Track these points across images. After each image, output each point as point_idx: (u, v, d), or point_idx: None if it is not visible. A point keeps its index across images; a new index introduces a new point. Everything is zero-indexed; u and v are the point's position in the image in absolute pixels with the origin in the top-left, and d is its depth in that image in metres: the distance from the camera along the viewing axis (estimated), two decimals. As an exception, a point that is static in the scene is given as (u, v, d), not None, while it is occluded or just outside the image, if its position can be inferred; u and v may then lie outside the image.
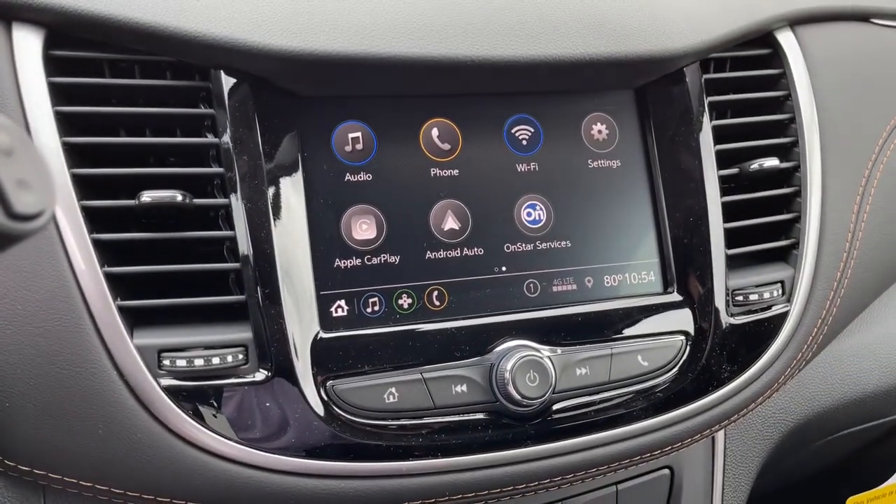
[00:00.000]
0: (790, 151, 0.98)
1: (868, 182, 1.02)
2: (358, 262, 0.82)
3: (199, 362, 0.73)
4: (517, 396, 0.80)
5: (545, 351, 0.83)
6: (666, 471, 0.97)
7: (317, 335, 0.77)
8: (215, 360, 0.73)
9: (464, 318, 0.83)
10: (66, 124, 0.74)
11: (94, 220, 0.74)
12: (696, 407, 0.89)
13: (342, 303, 0.80)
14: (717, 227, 0.91)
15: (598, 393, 0.85)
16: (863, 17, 1.09)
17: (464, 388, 0.80)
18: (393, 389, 0.78)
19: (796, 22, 1.02)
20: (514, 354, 0.81)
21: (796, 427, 1.06)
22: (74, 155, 0.74)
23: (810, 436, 1.12)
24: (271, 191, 0.78)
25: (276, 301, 0.76)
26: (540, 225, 0.89)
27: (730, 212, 0.93)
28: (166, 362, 0.73)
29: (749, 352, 0.91)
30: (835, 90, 1.01)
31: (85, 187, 0.74)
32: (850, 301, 1.01)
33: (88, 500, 0.78)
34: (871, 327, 1.12)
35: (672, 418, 0.87)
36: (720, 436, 1.02)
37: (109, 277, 0.72)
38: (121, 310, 0.72)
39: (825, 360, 1.08)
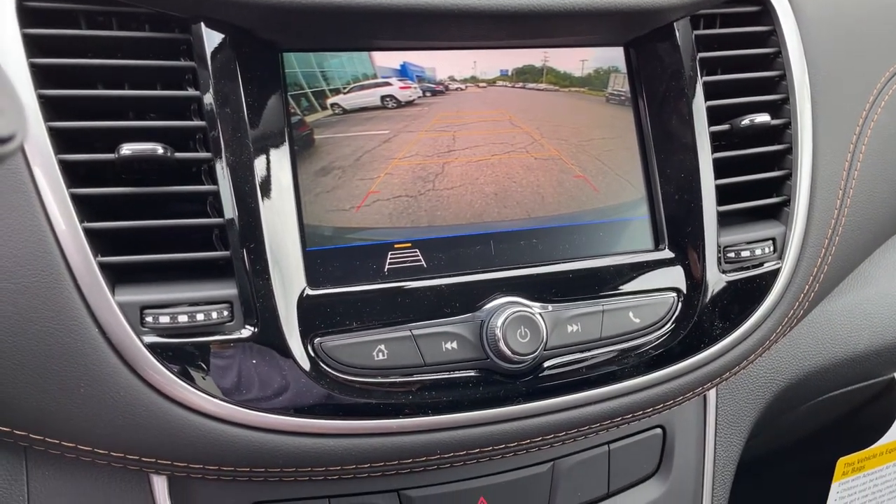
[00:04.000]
0: (781, 108, 0.97)
1: (859, 139, 1.01)
2: (347, 217, 0.80)
3: (182, 319, 0.71)
4: (508, 353, 0.79)
5: (536, 307, 0.81)
6: (658, 430, 0.96)
7: (303, 292, 0.76)
8: (200, 317, 0.72)
9: (454, 276, 0.81)
10: (42, 77, 0.72)
11: (73, 175, 0.72)
12: (689, 364, 0.88)
13: (330, 259, 0.79)
14: (708, 183, 0.90)
15: (589, 350, 0.84)
16: (853, -27, 1.08)
17: (454, 345, 0.79)
18: (382, 346, 0.77)
19: (786, -22, 1.00)
20: (504, 311, 0.79)
21: (787, 387, 1.06)
22: (51, 109, 0.72)
23: (801, 396, 1.11)
24: (255, 145, 0.76)
25: (261, 257, 0.74)
26: (529, 182, 0.87)
27: (721, 169, 0.92)
28: (149, 319, 0.71)
29: (741, 309, 0.91)
30: (825, 47, 1.00)
31: (63, 142, 0.72)
32: (842, 259, 1.01)
33: (71, 462, 0.77)
34: (861, 288, 1.12)
35: (664, 375, 0.87)
36: (712, 395, 1.01)
37: (89, 233, 0.70)
38: (102, 266, 0.70)
39: (816, 320, 1.08)
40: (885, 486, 1.24)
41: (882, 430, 1.18)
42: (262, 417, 0.73)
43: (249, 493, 0.81)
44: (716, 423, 1.01)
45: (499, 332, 0.79)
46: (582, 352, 0.84)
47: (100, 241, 0.72)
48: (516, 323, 0.79)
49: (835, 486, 1.19)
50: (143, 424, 0.71)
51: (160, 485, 0.80)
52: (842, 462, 1.17)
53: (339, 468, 0.77)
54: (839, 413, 1.24)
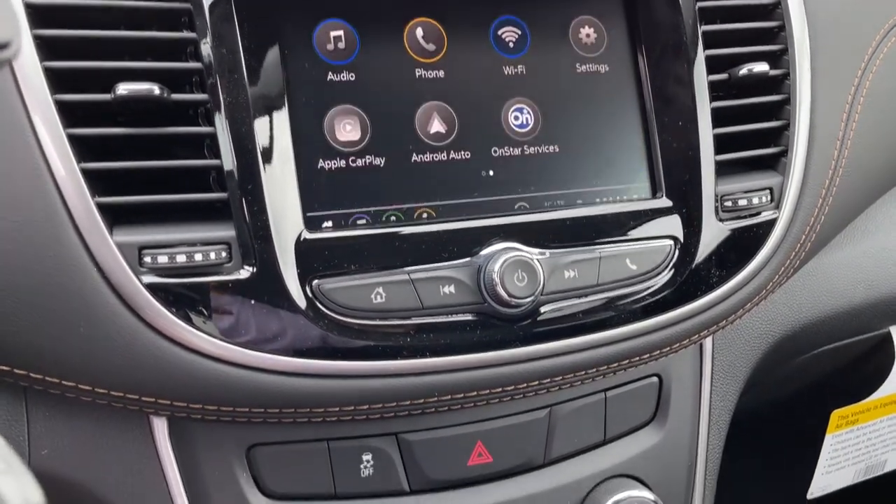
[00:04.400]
0: (780, 59, 0.97)
1: (857, 90, 1.01)
2: (342, 163, 0.80)
3: (181, 259, 0.71)
4: (505, 297, 0.79)
5: (534, 253, 0.82)
6: (654, 379, 0.97)
7: (301, 235, 0.76)
8: (198, 257, 0.72)
9: (451, 222, 0.81)
10: (38, 18, 0.72)
11: (70, 116, 0.71)
12: (685, 311, 0.88)
13: (326, 204, 0.79)
14: (706, 132, 0.90)
15: (586, 296, 0.84)
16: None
17: (451, 289, 0.79)
18: (380, 289, 0.77)
19: (787, -74, 0.99)
20: (502, 255, 0.79)
21: (783, 338, 1.06)
22: (46, 49, 0.72)
23: (797, 348, 1.12)
24: (252, 87, 0.75)
25: (258, 199, 0.74)
26: (528, 129, 0.87)
27: (719, 119, 0.91)
28: (147, 259, 0.71)
29: (738, 257, 0.91)
30: (825, -3, 1.00)
31: (59, 83, 0.72)
32: (839, 210, 1.01)
33: (71, 403, 0.77)
34: (858, 242, 1.12)
35: (660, 322, 0.87)
36: (708, 345, 1.02)
37: (87, 174, 0.70)
38: (100, 207, 0.70)
39: (813, 272, 1.08)
40: (879, 439, 1.25)
41: (876, 384, 1.19)
42: (261, 358, 0.73)
43: (249, 434, 0.81)
44: (712, 373, 1.01)
45: (496, 277, 0.79)
46: (579, 297, 0.84)
47: (97, 182, 0.71)
48: (514, 267, 0.79)
49: (828, 439, 1.20)
50: (142, 364, 0.72)
51: (160, 426, 0.80)
52: (835, 415, 1.18)
53: (337, 410, 0.78)
54: (834, 367, 1.25)
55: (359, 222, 0.79)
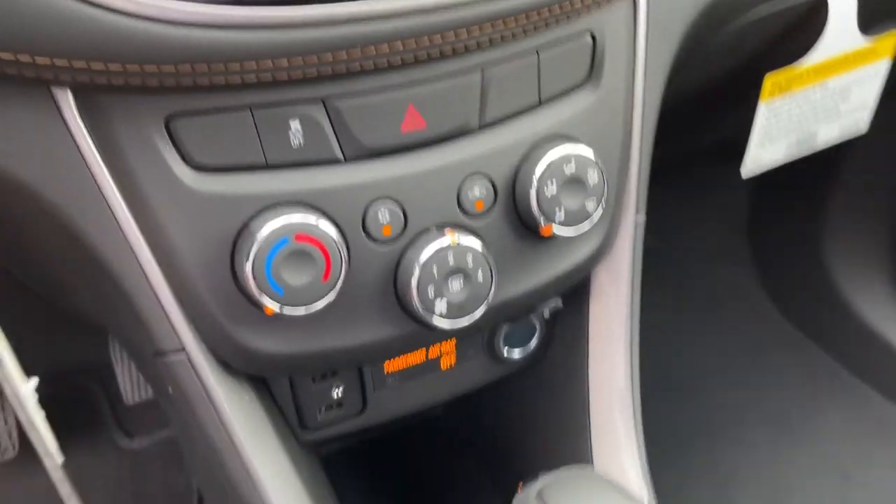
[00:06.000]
0: None
1: None
2: None
3: None
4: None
5: None
6: (588, 37, 0.93)
7: None
8: None
9: None
10: None
11: None
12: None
13: None
14: None
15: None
16: None
17: (365, -74, 0.73)
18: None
19: None
20: None
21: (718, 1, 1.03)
22: None
23: (734, 8, 1.09)
24: None
25: None
26: None
27: None
28: None
29: None
30: None
31: None
32: None
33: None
34: None
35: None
36: (642, 4, 0.98)
37: None
38: None
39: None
40: (811, 110, 1.26)
41: (808, 47, 1.18)
42: (158, 7, 0.67)
43: (165, 104, 0.76)
44: (647, 30, 0.98)
45: None
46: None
47: None
48: None
49: (762, 106, 1.21)
50: (27, 13, 0.65)
51: (65, 99, 0.74)
52: (768, 79, 1.18)
53: (255, 67, 0.73)
54: (769, 34, 1.23)
55: None
